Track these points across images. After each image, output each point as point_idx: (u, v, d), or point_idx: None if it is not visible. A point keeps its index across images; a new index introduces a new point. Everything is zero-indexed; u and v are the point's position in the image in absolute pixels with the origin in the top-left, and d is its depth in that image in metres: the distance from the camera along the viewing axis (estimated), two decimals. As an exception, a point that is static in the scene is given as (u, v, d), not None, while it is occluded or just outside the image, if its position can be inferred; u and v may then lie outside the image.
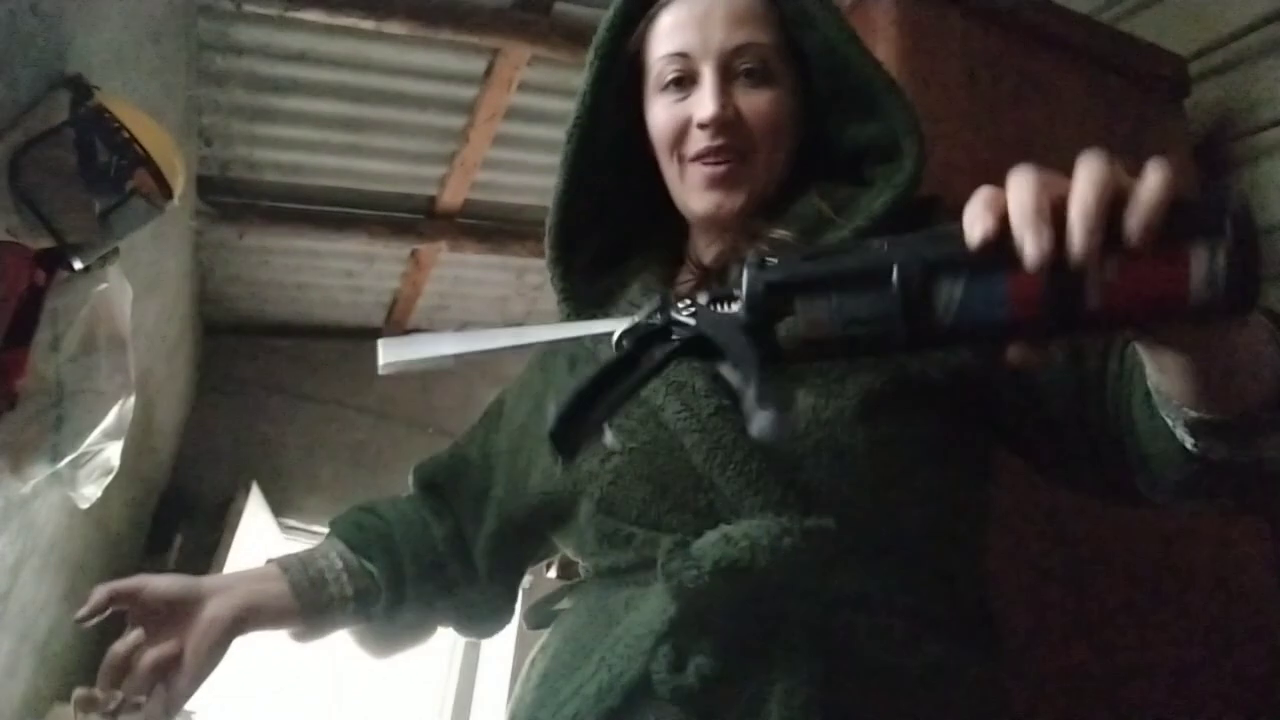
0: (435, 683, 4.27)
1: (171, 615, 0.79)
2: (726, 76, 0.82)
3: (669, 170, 0.85)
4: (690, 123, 0.82)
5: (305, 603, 0.84)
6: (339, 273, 3.90)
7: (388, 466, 4.30)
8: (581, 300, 0.86)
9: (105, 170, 1.81)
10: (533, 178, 3.44)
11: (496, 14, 2.75)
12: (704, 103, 0.81)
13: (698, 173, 0.82)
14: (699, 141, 0.81)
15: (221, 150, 3.14)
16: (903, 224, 0.78)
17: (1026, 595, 1.11)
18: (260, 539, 3.75)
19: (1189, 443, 0.56)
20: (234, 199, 3.33)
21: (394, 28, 2.66)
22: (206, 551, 3.46)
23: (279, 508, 3.94)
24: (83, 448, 1.89)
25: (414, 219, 3.56)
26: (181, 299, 3.45)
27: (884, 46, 1.29)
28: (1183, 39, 1.71)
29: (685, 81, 0.83)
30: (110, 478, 2.12)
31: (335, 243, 3.57)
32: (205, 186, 3.23)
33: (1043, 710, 1.06)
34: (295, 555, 0.88)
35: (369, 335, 4.42)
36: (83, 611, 0.77)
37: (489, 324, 4.42)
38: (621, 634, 0.70)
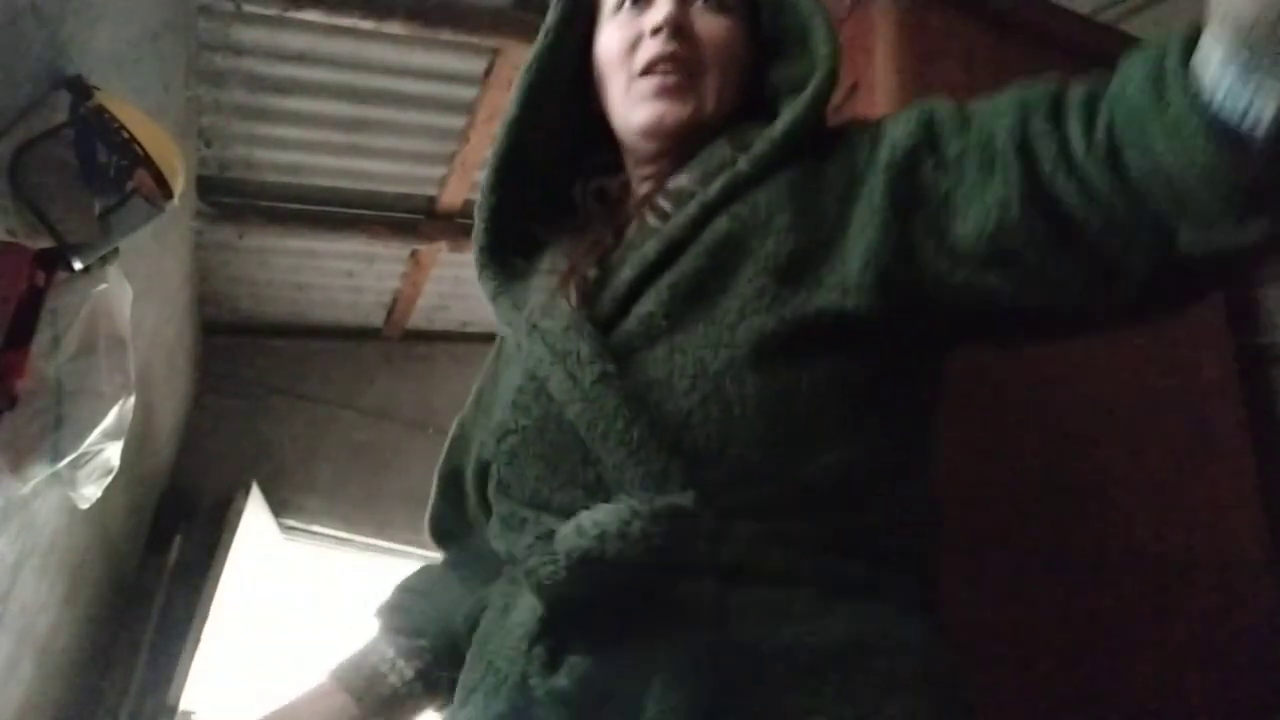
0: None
1: None
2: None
3: (615, 89, 0.82)
4: (642, 35, 0.80)
5: (369, 704, 0.83)
6: (339, 273, 3.90)
7: (388, 466, 4.30)
8: (496, 258, 0.86)
9: (105, 170, 1.81)
10: (533, 178, 3.43)
11: (496, 14, 2.75)
12: (659, 8, 0.79)
13: (646, 84, 0.80)
14: (649, 50, 0.79)
15: (221, 150, 3.14)
16: (810, 148, 0.75)
17: (1012, 585, 1.11)
18: (260, 539, 3.75)
19: (1220, 93, 0.49)
20: (234, 199, 3.33)
21: (394, 28, 2.66)
22: (206, 552, 3.46)
23: (279, 508, 3.94)
24: (83, 448, 1.89)
25: (414, 219, 3.56)
26: (181, 299, 3.45)
27: (883, 47, 1.28)
28: (1182, 39, 1.71)
29: (641, 2, 0.82)
30: (110, 478, 2.12)
31: (335, 243, 3.56)
32: (205, 186, 3.23)
33: (1030, 706, 1.06)
34: (348, 660, 0.87)
35: (369, 335, 4.43)
36: None
37: (490, 324, 4.41)
38: (504, 635, 0.68)
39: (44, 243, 1.72)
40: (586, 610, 0.61)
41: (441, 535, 0.93)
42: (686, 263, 0.71)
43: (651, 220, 0.76)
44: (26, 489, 1.89)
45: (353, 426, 4.31)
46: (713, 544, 0.61)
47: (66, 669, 2.98)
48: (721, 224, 0.72)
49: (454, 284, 4.05)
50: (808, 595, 0.62)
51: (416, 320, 4.33)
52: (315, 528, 4.17)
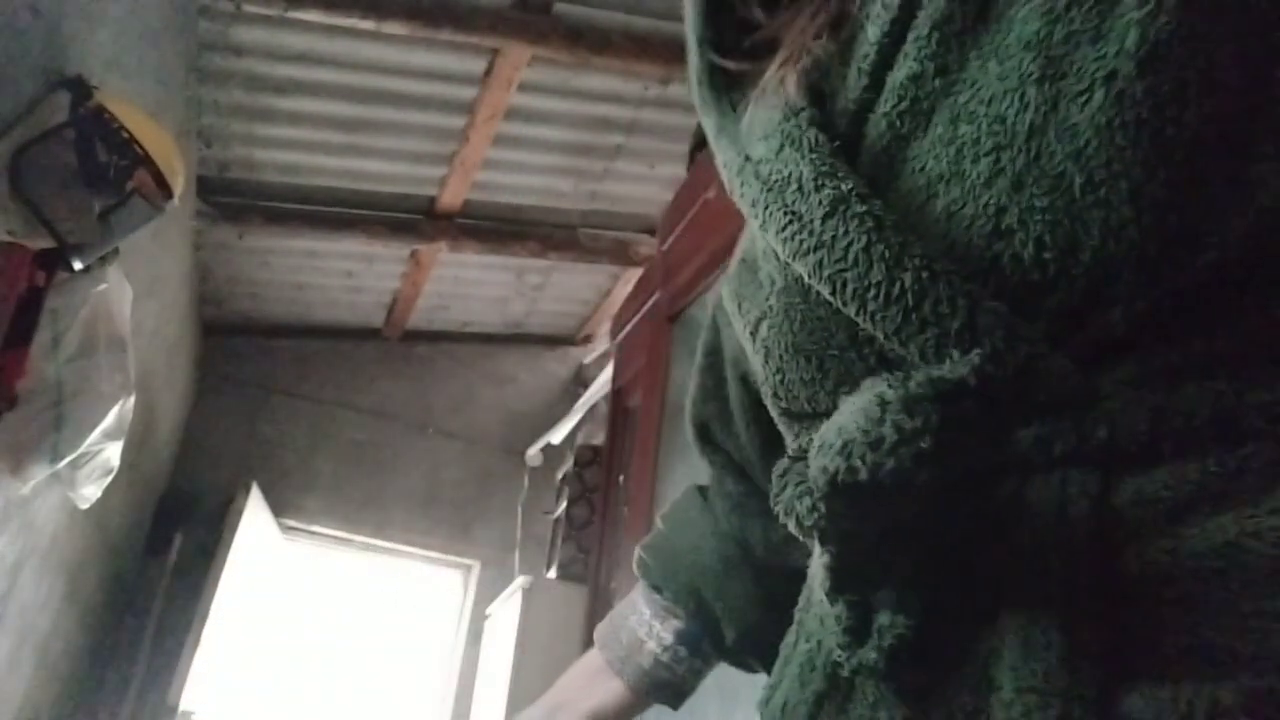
0: (440, 654, 4.28)
1: None
2: None
3: None
4: None
5: (631, 680, 0.68)
6: (339, 273, 3.90)
7: (387, 466, 4.31)
8: (719, 72, 0.55)
9: (105, 170, 1.81)
10: (533, 178, 3.44)
11: (496, 14, 2.75)
12: None
13: None
14: None
15: (221, 150, 3.14)
16: None
17: None
18: (260, 539, 3.75)
19: None
20: (234, 199, 3.33)
21: (394, 28, 2.66)
22: (206, 551, 3.47)
23: (279, 508, 3.95)
24: (83, 448, 1.89)
25: (414, 219, 3.56)
26: (181, 299, 3.45)
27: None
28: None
29: None
30: (110, 478, 2.12)
31: (335, 243, 3.57)
32: (205, 186, 3.24)
33: None
34: (614, 614, 0.72)
35: (369, 335, 4.43)
36: None
37: (489, 324, 4.43)
38: (811, 590, 0.50)
39: (44, 243, 1.72)
40: (887, 549, 0.42)
41: (702, 428, 0.69)
42: None
43: None
44: (26, 489, 1.89)
45: (353, 426, 4.32)
46: (1073, 414, 0.39)
47: (66, 668, 2.98)
48: None
49: (454, 284, 4.06)
50: (1258, 457, 0.36)
51: (416, 320, 4.33)
52: (315, 528, 4.18)
